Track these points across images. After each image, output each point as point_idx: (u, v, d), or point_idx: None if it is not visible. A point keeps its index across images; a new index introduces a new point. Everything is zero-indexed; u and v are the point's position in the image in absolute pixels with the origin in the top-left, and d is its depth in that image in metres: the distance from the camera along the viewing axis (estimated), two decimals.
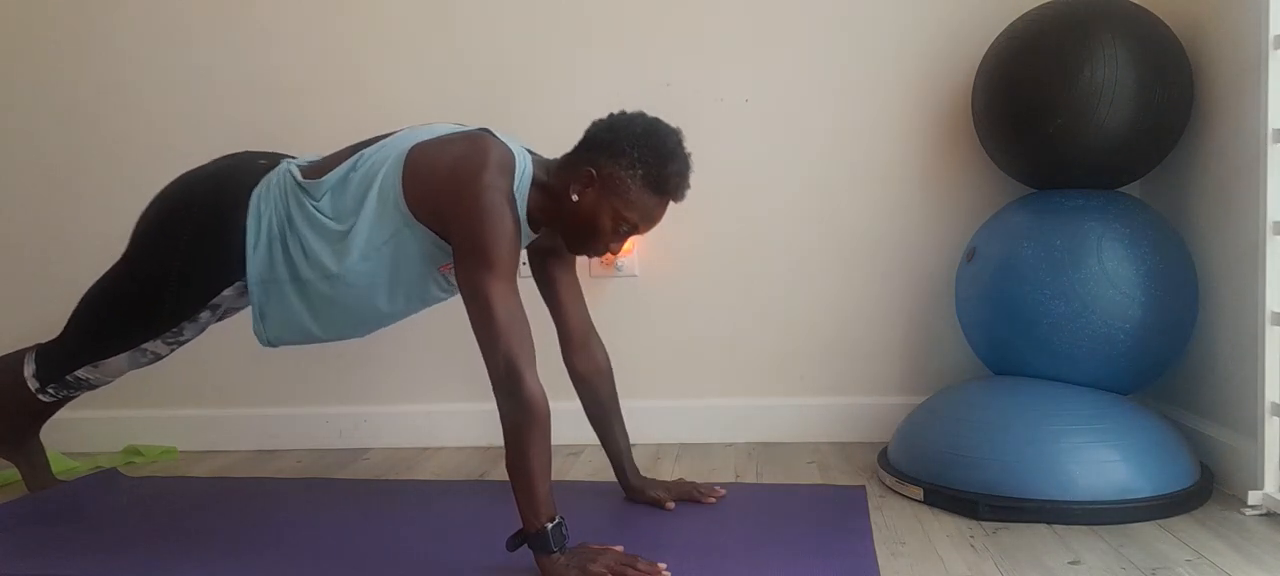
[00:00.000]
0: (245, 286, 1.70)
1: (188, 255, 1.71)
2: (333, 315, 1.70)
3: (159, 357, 1.83)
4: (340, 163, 1.68)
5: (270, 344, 1.77)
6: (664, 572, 1.43)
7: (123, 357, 1.80)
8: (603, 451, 1.89)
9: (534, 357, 1.46)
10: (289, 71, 2.44)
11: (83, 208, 2.52)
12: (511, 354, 1.43)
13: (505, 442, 1.45)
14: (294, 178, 1.68)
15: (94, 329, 1.81)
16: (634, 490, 1.85)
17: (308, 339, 1.76)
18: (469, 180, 1.50)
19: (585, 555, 1.44)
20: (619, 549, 1.48)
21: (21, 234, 2.57)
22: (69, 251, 2.49)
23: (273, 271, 1.67)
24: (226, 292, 1.72)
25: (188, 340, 1.80)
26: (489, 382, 1.47)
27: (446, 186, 1.53)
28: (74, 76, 2.51)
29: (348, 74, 2.42)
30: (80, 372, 1.83)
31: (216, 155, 1.84)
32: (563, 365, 1.84)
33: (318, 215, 1.64)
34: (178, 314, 1.73)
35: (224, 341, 2.05)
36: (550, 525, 1.43)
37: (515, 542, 1.47)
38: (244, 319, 1.93)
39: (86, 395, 2.04)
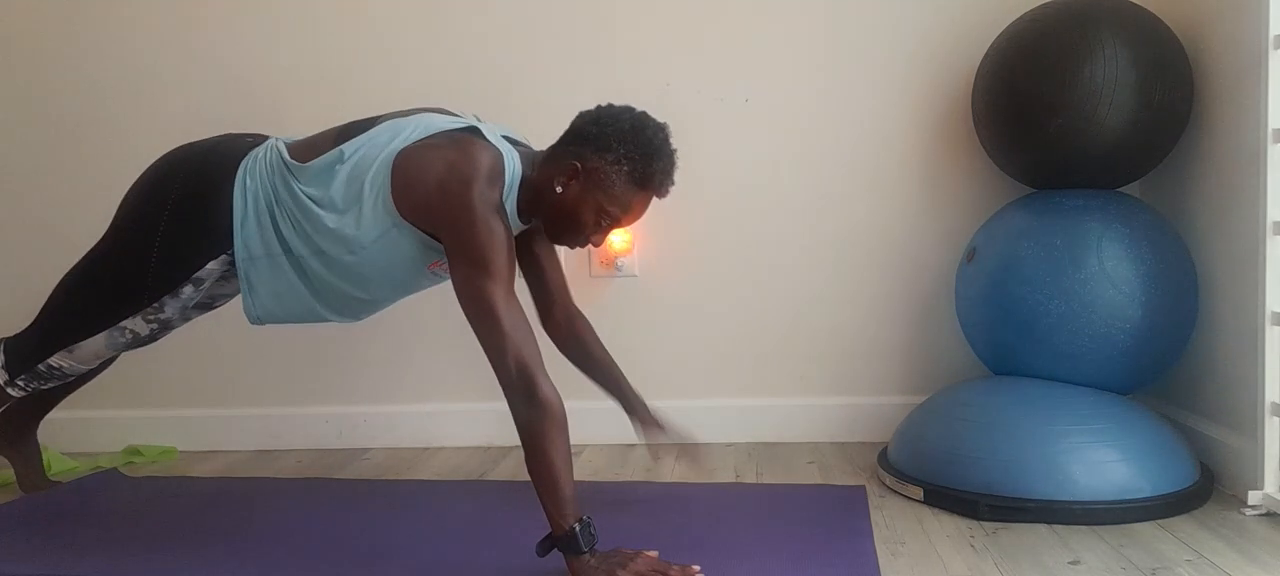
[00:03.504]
0: (231, 261, 1.69)
1: (172, 223, 1.69)
2: (327, 289, 1.70)
3: (139, 338, 1.77)
4: (326, 148, 1.67)
5: (258, 321, 1.75)
6: (697, 574, 1.43)
7: (100, 338, 1.75)
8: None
9: (542, 360, 1.47)
10: (279, 67, 2.43)
11: (67, 204, 2.51)
12: (522, 359, 1.44)
13: (525, 447, 1.45)
14: (281, 156, 1.68)
15: (72, 309, 1.77)
16: (645, 422, 1.85)
17: (303, 313, 1.74)
18: (459, 192, 1.51)
19: (618, 559, 1.43)
20: (654, 554, 1.47)
21: (16, 239, 2.56)
22: (53, 247, 2.48)
23: (264, 245, 1.67)
24: (211, 265, 1.70)
25: (170, 320, 1.76)
26: (489, 382, 1.47)
27: (436, 197, 1.54)
28: (62, 82, 2.51)
29: (340, 70, 2.42)
30: (53, 360, 1.78)
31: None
32: (571, 365, 1.84)
33: (305, 199, 1.64)
34: (159, 286, 1.70)
35: (224, 341, 2.05)
36: (578, 525, 1.42)
37: (545, 547, 1.46)
38: (237, 319, 1.93)
39: (86, 395, 2.05)
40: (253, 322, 1.77)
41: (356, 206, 1.61)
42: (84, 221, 2.45)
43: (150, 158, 1.98)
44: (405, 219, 1.59)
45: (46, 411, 2.05)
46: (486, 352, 1.47)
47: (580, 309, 1.88)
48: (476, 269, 1.48)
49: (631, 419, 1.86)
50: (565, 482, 1.44)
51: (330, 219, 1.62)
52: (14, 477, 2.08)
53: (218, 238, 1.67)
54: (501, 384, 1.46)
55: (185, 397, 2.51)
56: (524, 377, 1.44)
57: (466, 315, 1.50)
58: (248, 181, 1.67)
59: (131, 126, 2.48)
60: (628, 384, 1.86)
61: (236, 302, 1.81)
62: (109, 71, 2.50)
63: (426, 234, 1.59)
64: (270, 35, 2.44)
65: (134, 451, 2.44)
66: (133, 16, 2.47)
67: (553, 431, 1.43)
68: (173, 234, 1.69)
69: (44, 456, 2.18)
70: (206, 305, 1.89)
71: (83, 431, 2.45)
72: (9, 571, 1.60)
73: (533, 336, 1.48)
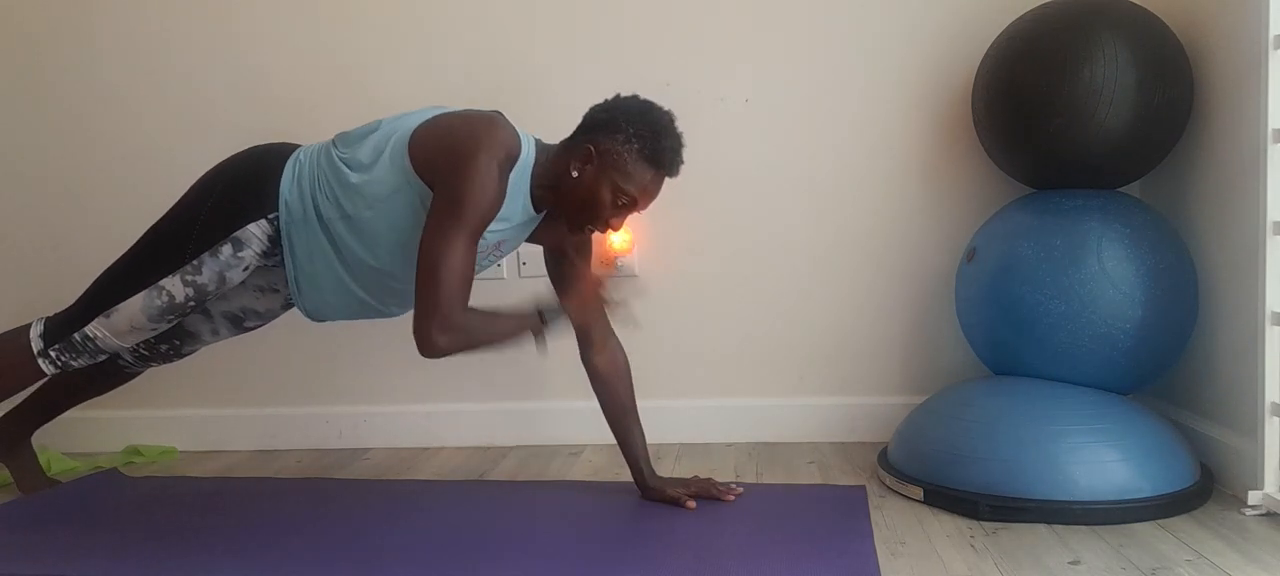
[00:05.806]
0: (272, 230, 1.75)
1: (223, 194, 1.78)
2: (351, 256, 1.75)
3: (174, 304, 1.77)
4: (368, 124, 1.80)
5: (301, 299, 1.82)
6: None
7: (137, 300, 1.77)
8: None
9: (466, 306, 1.59)
10: (283, 75, 2.44)
11: (80, 212, 2.52)
12: (453, 293, 1.55)
13: (465, 350, 1.60)
14: (332, 139, 1.81)
15: (115, 274, 1.82)
16: (652, 490, 1.85)
17: (337, 288, 1.79)
18: (467, 148, 1.61)
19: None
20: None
21: (19, 237, 2.56)
22: (67, 254, 2.50)
23: (302, 208, 1.75)
24: (252, 228, 1.75)
25: (206, 287, 1.76)
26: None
27: (444, 147, 1.64)
28: (69, 81, 2.51)
29: (343, 76, 2.42)
30: (89, 329, 1.80)
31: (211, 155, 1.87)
32: (580, 365, 1.85)
33: (338, 161, 1.74)
34: (200, 245, 1.75)
35: (224, 341, 2.05)
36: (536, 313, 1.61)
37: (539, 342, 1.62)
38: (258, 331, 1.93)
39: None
40: (293, 302, 1.85)
41: (377, 164, 1.70)
42: (86, 231, 2.49)
43: (146, 169, 1.99)
44: (417, 175, 1.66)
45: (45, 421, 2.06)
46: (418, 275, 1.57)
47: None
48: (451, 208, 1.58)
49: (637, 480, 1.87)
50: (500, 320, 1.61)
51: (354, 176, 1.72)
52: (13, 478, 2.08)
53: (263, 203, 1.76)
54: (418, 309, 1.55)
55: (185, 397, 2.51)
56: (451, 308, 1.55)
57: (421, 241, 1.59)
58: (301, 157, 1.78)
59: (129, 135, 2.49)
60: (644, 446, 1.87)
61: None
62: (126, 74, 2.49)
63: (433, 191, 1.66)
64: (264, 46, 2.44)
65: (134, 451, 2.44)
66: (129, 27, 2.47)
67: (475, 328, 1.59)
68: (221, 203, 1.77)
69: (44, 456, 2.18)
70: (237, 320, 1.92)
71: (83, 431, 2.45)
72: (9, 571, 1.60)
73: (469, 284, 1.58)
